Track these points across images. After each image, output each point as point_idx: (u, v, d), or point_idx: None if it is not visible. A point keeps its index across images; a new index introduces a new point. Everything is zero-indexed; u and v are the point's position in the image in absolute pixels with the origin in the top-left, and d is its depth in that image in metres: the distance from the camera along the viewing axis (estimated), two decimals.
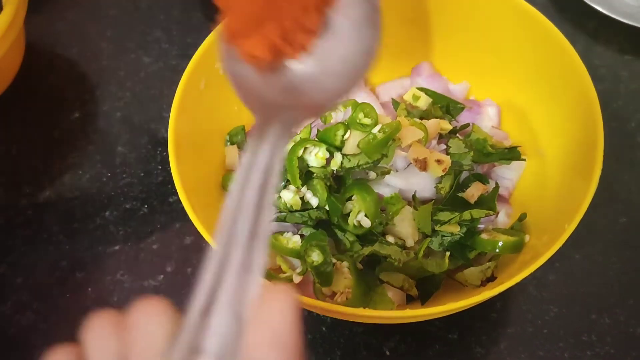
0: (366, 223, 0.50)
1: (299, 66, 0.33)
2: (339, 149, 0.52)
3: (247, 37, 0.32)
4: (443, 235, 0.51)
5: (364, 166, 0.51)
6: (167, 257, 0.60)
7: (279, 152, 0.27)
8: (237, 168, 0.27)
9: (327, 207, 0.51)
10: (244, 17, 0.32)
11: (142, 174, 0.65)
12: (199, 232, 0.45)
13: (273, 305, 0.23)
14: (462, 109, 0.59)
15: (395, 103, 0.60)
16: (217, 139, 0.58)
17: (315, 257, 0.49)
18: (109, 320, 0.24)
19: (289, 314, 0.23)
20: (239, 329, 0.22)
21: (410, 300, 0.51)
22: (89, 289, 0.59)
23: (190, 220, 0.46)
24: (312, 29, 0.33)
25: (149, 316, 0.23)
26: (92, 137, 0.69)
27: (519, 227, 0.53)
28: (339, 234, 0.52)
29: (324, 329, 0.56)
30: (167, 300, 0.24)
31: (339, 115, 0.57)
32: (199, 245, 0.60)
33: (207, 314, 0.22)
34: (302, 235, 0.52)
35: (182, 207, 0.47)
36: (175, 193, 0.63)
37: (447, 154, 0.53)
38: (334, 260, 0.50)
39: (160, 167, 0.66)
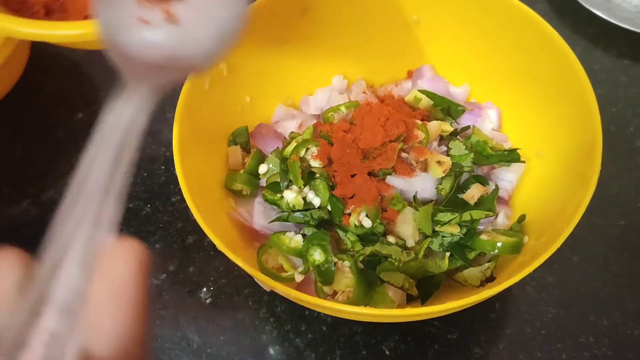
0: (367, 223, 0.50)
1: (173, 27, 0.33)
2: None
3: None
4: (443, 236, 0.52)
5: None
6: (170, 256, 0.61)
7: (143, 112, 0.28)
8: (98, 126, 0.27)
9: (329, 207, 0.52)
10: None
11: (145, 174, 0.66)
12: (201, 232, 0.46)
13: (117, 259, 0.23)
14: (463, 111, 0.60)
15: None
16: (221, 139, 0.59)
17: (317, 256, 0.50)
18: None
19: (132, 269, 0.23)
20: (85, 282, 0.23)
21: (410, 300, 0.52)
22: None
23: (192, 220, 0.46)
24: None
25: (2, 265, 0.24)
26: None
27: (518, 228, 0.54)
28: (341, 233, 0.52)
29: (324, 328, 0.56)
30: (21, 251, 0.24)
31: (340, 115, 0.58)
32: (201, 245, 0.61)
33: (58, 266, 0.23)
34: (304, 235, 0.53)
35: (185, 207, 0.47)
36: (178, 193, 0.64)
37: (448, 155, 0.54)
38: (335, 260, 0.50)
39: (163, 167, 0.66)
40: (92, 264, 0.23)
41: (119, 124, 0.27)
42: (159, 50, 0.33)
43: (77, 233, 0.24)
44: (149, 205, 0.64)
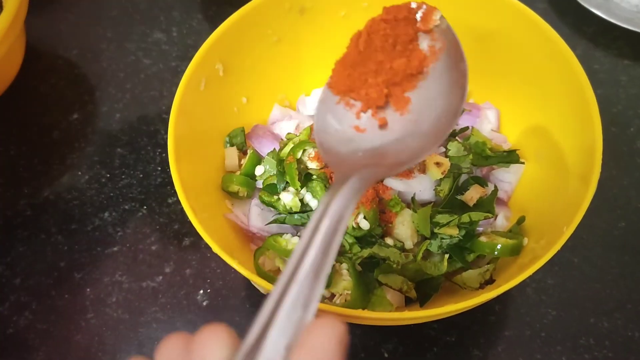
0: (365, 225, 0.50)
1: (383, 132, 0.36)
2: None
3: (357, 89, 0.38)
4: (442, 238, 0.51)
5: None
6: (166, 258, 0.60)
7: (352, 204, 0.30)
8: (312, 214, 0.31)
9: None
10: (355, 75, 0.38)
11: (141, 175, 0.65)
12: (197, 234, 0.45)
13: (319, 336, 0.24)
14: (462, 112, 0.59)
15: None
16: (217, 140, 0.58)
17: None
18: (179, 341, 0.26)
19: (334, 345, 0.24)
20: (287, 358, 0.24)
21: (409, 303, 0.51)
22: (87, 289, 0.58)
23: (188, 222, 0.46)
24: (407, 87, 0.37)
25: (211, 341, 0.25)
26: (91, 138, 0.69)
27: (517, 230, 0.53)
28: None
29: None
30: (228, 327, 0.26)
31: None
32: (198, 247, 0.60)
33: (261, 342, 0.24)
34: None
35: (181, 209, 0.47)
36: (174, 194, 0.63)
37: (446, 156, 0.53)
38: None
39: (159, 169, 0.66)
40: (295, 342, 0.24)
41: (330, 213, 0.29)
42: (369, 152, 0.36)
43: (283, 313, 0.25)
44: (145, 207, 0.63)
